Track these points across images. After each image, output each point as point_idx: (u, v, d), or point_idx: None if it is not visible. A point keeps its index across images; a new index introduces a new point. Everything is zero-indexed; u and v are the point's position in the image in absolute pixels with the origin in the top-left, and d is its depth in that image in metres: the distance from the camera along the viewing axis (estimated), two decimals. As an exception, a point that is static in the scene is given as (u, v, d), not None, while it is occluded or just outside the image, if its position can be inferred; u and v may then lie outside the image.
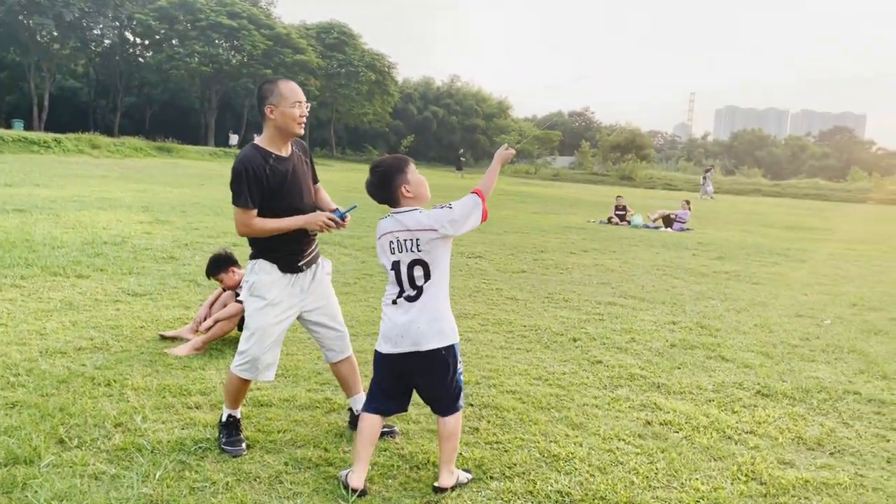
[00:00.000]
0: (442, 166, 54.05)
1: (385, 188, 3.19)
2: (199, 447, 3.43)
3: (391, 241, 3.15)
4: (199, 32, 51.60)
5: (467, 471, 3.32)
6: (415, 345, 3.11)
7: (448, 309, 3.20)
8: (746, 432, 4.03)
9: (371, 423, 3.23)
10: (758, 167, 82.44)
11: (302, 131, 3.42)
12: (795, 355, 5.70)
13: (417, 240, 3.10)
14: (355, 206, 3.53)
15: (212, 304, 5.46)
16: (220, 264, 5.48)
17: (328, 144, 64.67)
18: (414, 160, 3.44)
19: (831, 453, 3.81)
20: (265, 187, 3.36)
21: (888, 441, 4.00)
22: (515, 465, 3.44)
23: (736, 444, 3.86)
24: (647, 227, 17.07)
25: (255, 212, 3.38)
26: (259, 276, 3.47)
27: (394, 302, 3.16)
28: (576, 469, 3.42)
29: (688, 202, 18.56)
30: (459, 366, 3.21)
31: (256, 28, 53.38)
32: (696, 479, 3.39)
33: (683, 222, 17.24)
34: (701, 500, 3.19)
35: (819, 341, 6.19)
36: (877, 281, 10.17)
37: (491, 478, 3.30)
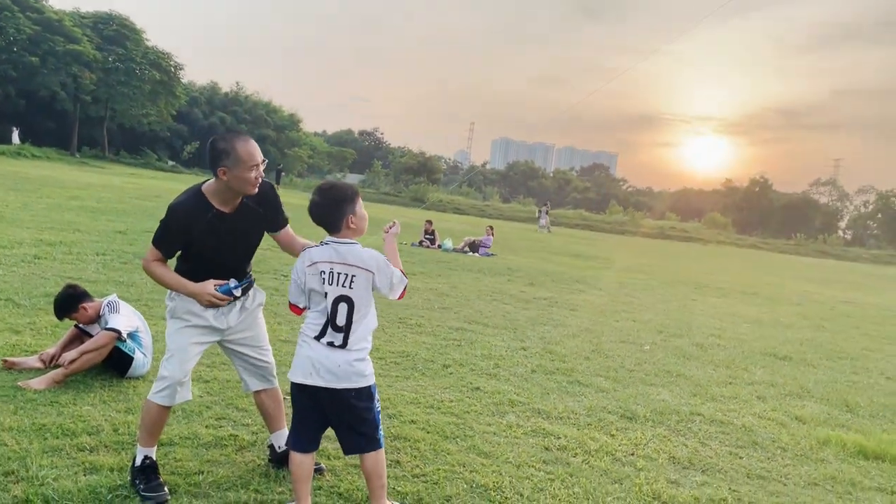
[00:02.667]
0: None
1: (333, 213, 3.13)
2: (117, 496, 3.09)
3: (323, 272, 3.06)
4: (-51, 8, 45.02)
5: None
6: (332, 380, 3.01)
7: (368, 351, 3.13)
8: (630, 454, 4.44)
9: (301, 461, 3.13)
10: (530, 196, 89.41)
11: (255, 192, 3.24)
12: (637, 379, 6.34)
13: (353, 276, 3.05)
14: (251, 280, 3.44)
15: (65, 346, 4.82)
16: (67, 306, 4.88)
17: (100, 144, 59.27)
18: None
19: (703, 471, 4.32)
20: (191, 239, 3.20)
21: (741, 458, 4.62)
22: (451, 497, 3.51)
23: (625, 465, 4.24)
24: (455, 251, 17.82)
25: (161, 258, 3.26)
26: (178, 300, 3.31)
27: (317, 337, 3.07)
28: (507, 499, 3.56)
29: (491, 228, 19.69)
30: (377, 404, 3.16)
31: (21, 10, 47.59)
32: (612, 500, 3.69)
33: (488, 247, 18.28)
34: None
35: (649, 366, 6.94)
36: (666, 309, 11.53)
37: (435, 512, 3.34)
